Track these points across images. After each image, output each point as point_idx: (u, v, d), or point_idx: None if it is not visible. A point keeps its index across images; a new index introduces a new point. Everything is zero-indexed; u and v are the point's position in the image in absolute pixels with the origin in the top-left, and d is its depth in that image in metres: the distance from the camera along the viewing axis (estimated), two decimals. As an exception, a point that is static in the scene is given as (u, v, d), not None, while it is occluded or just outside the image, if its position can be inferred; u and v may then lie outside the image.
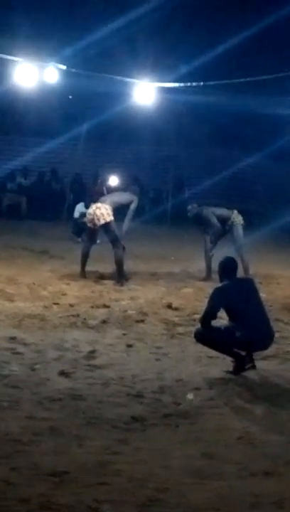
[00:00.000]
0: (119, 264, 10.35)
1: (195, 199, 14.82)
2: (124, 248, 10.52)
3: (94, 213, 10.34)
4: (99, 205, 10.41)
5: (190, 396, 4.45)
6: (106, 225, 10.28)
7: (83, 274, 10.52)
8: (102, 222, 10.26)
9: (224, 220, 11.20)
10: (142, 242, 13.63)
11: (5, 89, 14.55)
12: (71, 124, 19.37)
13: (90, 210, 10.52)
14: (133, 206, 10.67)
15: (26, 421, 4.83)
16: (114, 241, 10.40)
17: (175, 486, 3.97)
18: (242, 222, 11.31)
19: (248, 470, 4.25)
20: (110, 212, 10.30)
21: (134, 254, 12.20)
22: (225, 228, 11.21)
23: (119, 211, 10.65)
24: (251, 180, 22.28)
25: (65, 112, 19.74)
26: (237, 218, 11.29)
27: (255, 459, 4.41)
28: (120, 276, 10.29)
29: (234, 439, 4.72)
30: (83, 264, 10.62)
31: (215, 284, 7.06)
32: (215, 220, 11.12)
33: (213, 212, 11.25)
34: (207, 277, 10.68)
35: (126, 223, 10.70)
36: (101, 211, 10.28)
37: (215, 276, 7.69)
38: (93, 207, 10.49)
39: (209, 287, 7.11)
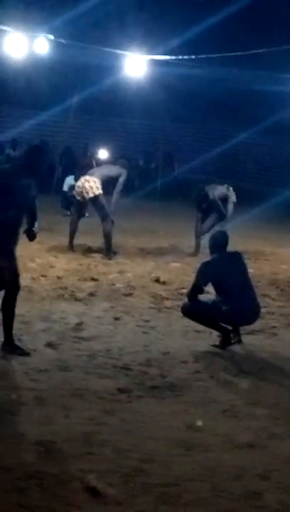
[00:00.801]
0: (108, 237, 10.33)
1: (184, 174, 14.74)
2: (112, 222, 10.49)
3: (83, 186, 10.32)
4: (87, 177, 10.38)
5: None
6: (95, 198, 10.25)
7: (71, 247, 10.50)
8: (91, 195, 10.24)
9: (223, 200, 11.21)
10: (131, 217, 13.61)
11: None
12: (61, 96, 19.19)
13: (79, 183, 10.50)
14: (122, 179, 10.59)
15: (13, 391, 4.84)
16: (103, 215, 10.37)
17: (160, 457, 4.01)
18: (234, 199, 11.32)
19: (233, 442, 4.29)
20: (99, 185, 10.25)
21: (123, 229, 12.17)
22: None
23: (109, 185, 10.60)
24: (243, 157, 22.25)
25: (55, 84, 19.56)
26: (232, 196, 11.30)
27: (240, 432, 4.45)
28: (108, 249, 10.29)
29: (219, 412, 4.76)
30: (71, 237, 10.61)
31: (202, 259, 7.06)
32: (220, 204, 11.08)
33: (217, 195, 11.18)
34: (196, 253, 10.70)
35: (115, 196, 10.64)
36: (90, 184, 10.24)
37: (204, 251, 7.70)
38: (82, 180, 10.46)
39: (197, 262, 7.11)
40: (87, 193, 10.26)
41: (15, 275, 5.80)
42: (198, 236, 10.95)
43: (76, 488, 3.59)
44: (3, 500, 3.43)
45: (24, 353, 5.61)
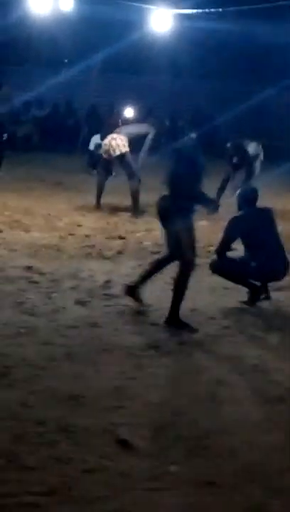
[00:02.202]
0: (135, 196, 10.28)
1: (212, 132, 14.49)
2: (139, 180, 10.43)
3: (110, 144, 10.27)
4: (114, 136, 10.32)
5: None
6: (122, 156, 10.20)
7: (98, 206, 10.50)
8: (117, 153, 10.19)
9: (254, 158, 11.06)
10: (157, 175, 13.48)
11: (19, 16, 14.24)
12: (86, 54, 18.97)
13: (106, 141, 10.45)
14: (150, 136, 10.49)
15: (43, 347, 4.89)
16: (130, 173, 10.30)
17: (190, 411, 4.04)
18: (262, 157, 11.14)
19: (262, 396, 4.31)
20: (126, 143, 10.19)
21: (149, 187, 12.04)
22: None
23: (136, 143, 10.52)
24: (272, 114, 21.82)
25: (79, 41, 19.34)
26: (261, 154, 11.12)
27: (269, 386, 4.47)
28: (135, 208, 10.24)
29: (248, 367, 4.77)
30: (98, 195, 10.59)
31: (230, 215, 7.01)
32: (253, 161, 10.93)
33: (252, 150, 11.01)
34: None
35: (142, 154, 10.55)
36: (117, 142, 10.19)
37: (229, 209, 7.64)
38: (108, 138, 10.41)
39: (224, 220, 7.03)
40: (114, 150, 10.21)
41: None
42: (220, 193, 10.71)
43: (107, 441, 3.64)
44: (36, 452, 3.49)
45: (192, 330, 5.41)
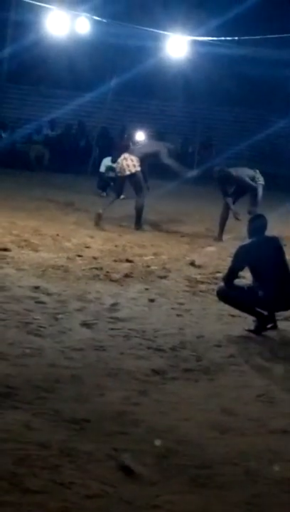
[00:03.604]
0: (139, 211, 10.99)
1: (223, 160, 14.52)
2: (148, 188, 11.20)
3: (122, 164, 10.94)
4: (126, 155, 11.00)
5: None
6: (132, 175, 10.91)
7: (99, 217, 10.97)
8: (127, 173, 10.90)
9: (250, 179, 11.06)
10: (167, 200, 13.56)
11: (36, 37, 14.38)
12: (101, 77, 19.13)
13: (119, 161, 11.15)
14: (163, 157, 11.00)
15: (48, 368, 4.88)
16: (138, 191, 11.04)
17: (194, 439, 4.01)
18: (263, 182, 11.10)
19: (267, 427, 4.27)
20: (136, 163, 10.85)
21: (158, 211, 12.17)
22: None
23: (148, 161, 11.11)
24: (283, 143, 21.91)
25: (95, 64, 19.50)
26: (260, 178, 11.10)
27: (274, 417, 4.43)
28: (137, 222, 10.94)
29: (253, 397, 4.74)
30: (108, 205, 11.22)
31: (239, 243, 7.02)
32: (248, 179, 10.89)
33: (243, 173, 11.05)
34: (218, 237, 10.69)
35: (170, 163, 11.20)
36: (128, 162, 10.86)
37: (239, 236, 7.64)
38: (121, 157, 11.06)
39: (232, 246, 7.06)
40: (124, 170, 10.92)
41: None
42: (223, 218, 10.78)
43: (110, 467, 3.61)
44: (38, 476, 3.46)
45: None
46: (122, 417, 4.20)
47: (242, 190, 11.03)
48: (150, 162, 11.25)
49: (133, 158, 10.85)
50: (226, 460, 3.79)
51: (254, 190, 10.84)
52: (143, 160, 10.99)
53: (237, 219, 10.64)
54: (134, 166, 10.83)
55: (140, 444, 3.90)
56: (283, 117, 20.00)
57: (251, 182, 10.88)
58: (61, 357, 5.13)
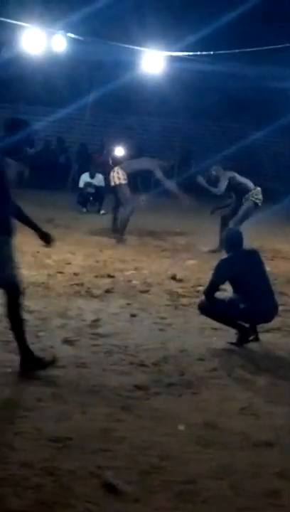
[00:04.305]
0: (123, 222, 11.38)
1: (201, 173, 14.55)
2: (143, 200, 12.04)
3: (111, 176, 11.53)
4: (116, 168, 11.57)
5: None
6: (117, 186, 11.38)
7: (115, 230, 11.58)
8: (112, 184, 11.44)
9: (243, 191, 10.94)
10: (147, 214, 13.58)
11: (12, 55, 14.40)
12: (78, 93, 19.18)
13: (110, 173, 11.76)
14: (157, 174, 11.41)
15: (30, 387, 4.84)
16: (124, 202, 11.42)
17: (177, 454, 3.99)
18: (257, 201, 10.97)
19: (250, 440, 4.26)
20: (122, 176, 11.32)
21: (139, 226, 12.17)
22: (240, 199, 10.95)
23: (138, 177, 12.00)
24: (260, 155, 22.08)
25: (72, 81, 19.55)
26: (253, 197, 10.94)
27: (257, 430, 4.42)
28: (121, 232, 11.21)
29: (237, 410, 4.73)
30: (113, 219, 11.79)
31: (219, 256, 7.04)
32: (223, 186, 10.80)
33: (235, 177, 10.94)
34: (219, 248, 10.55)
35: (167, 184, 11.70)
36: (114, 174, 11.40)
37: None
38: (112, 170, 11.68)
39: (213, 259, 7.08)
40: (111, 182, 11.53)
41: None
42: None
43: (93, 485, 3.59)
44: (21, 496, 3.43)
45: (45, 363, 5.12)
46: (105, 434, 4.18)
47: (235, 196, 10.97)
48: (143, 177, 11.80)
49: (120, 171, 11.32)
50: (210, 475, 3.78)
51: (240, 199, 10.83)
52: (133, 175, 11.63)
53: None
54: (119, 178, 11.30)
55: (123, 460, 3.87)
56: (258, 130, 20.17)
57: (243, 187, 10.85)
58: (42, 375, 5.08)
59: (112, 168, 12.06)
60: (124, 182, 11.32)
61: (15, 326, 5.05)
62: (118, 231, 11.33)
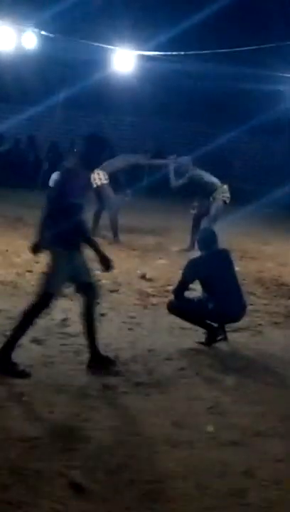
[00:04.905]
0: (113, 222, 11.32)
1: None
2: (127, 195, 11.82)
3: (92, 177, 11.14)
4: (97, 170, 11.21)
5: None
6: (99, 188, 11.26)
7: (93, 233, 11.15)
8: (94, 185, 11.10)
9: (210, 190, 10.95)
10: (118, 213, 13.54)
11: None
12: (49, 91, 19.09)
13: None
14: (142, 161, 11.70)
15: (-3, 386, 4.82)
16: (107, 203, 11.41)
17: (144, 454, 4.01)
18: (224, 198, 11.02)
19: (217, 439, 4.29)
20: (102, 176, 11.24)
21: (108, 225, 12.15)
22: (208, 198, 10.97)
23: (120, 175, 11.62)
24: (230, 156, 22.20)
25: (42, 78, 19.45)
26: (220, 194, 10.99)
27: (224, 429, 4.45)
28: (115, 233, 11.27)
29: (204, 409, 4.76)
30: (93, 223, 11.32)
31: (188, 256, 7.07)
32: (183, 181, 10.88)
33: (201, 176, 10.99)
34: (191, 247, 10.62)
35: (161, 162, 11.73)
36: (94, 176, 11.09)
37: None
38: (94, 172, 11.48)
39: (183, 259, 7.10)
40: (92, 184, 11.15)
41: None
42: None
43: (60, 484, 3.58)
44: (-13, 496, 3.41)
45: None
46: (72, 434, 4.18)
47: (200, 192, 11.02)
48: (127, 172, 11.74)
49: (100, 172, 11.21)
50: (177, 474, 3.80)
51: (208, 197, 10.88)
52: (115, 174, 11.46)
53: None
54: (100, 179, 11.24)
55: (90, 460, 3.87)
56: (229, 130, 20.27)
57: (207, 186, 10.88)
58: (9, 374, 5.06)
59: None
60: (105, 182, 11.32)
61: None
62: (114, 234, 11.28)
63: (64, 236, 5.16)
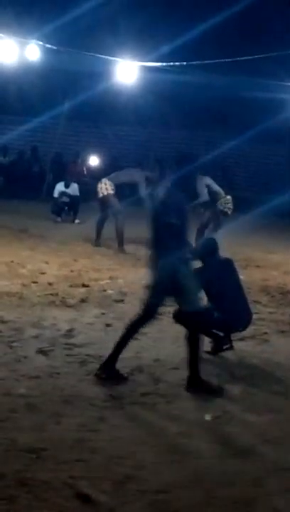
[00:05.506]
0: (120, 232, 11.32)
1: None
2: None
3: (98, 187, 11.52)
4: (103, 180, 11.57)
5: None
6: (104, 197, 11.40)
7: (97, 243, 11.56)
8: (100, 195, 11.44)
9: (213, 199, 11.05)
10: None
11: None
12: (52, 102, 19.16)
13: (97, 185, 11.75)
14: (141, 189, 11.25)
15: (3, 398, 4.82)
16: (114, 212, 11.44)
17: (152, 464, 3.99)
18: (225, 209, 11.09)
19: (224, 449, 4.27)
20: (109, 187, 11.37)
21: (113, 236, 12.15)
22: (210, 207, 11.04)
23: (125, 188, 11.71)
24: (232, 165, 22.26)
25: (46, 90, 19.52)
26: (223, 204, 11.05)
27: (232, 439, 4.44)
28: (120, 243, 11.28)
29: (211, 418, 4.74)
30: (97, 233, 11.61)
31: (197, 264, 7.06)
32: (203, 191, 10.94)
33: (210, 186, 11.07)
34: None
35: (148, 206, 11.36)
36: (101, 185, 11.43)
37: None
38: (100, 181, 11.65)
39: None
40: (98, 193, 11.50)
41: None
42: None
43: (67, 495, 3.57)
44: (-6, 507, 3.41)
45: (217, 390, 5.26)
46: (79, 445, 4.17)
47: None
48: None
49: (107, 182, 11.37)
50: (184, 484, 3.78)
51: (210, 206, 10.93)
52: (119, 186, 11.49)
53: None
54: (106, 189, 11.34)
55: (97, 471, 3.87)
56: (230, 140, 20.33)
57: (204, 193, 10.92)
58: (16, 385, 5.07)
59: (85, 175, 12.23)
60: (111, 192, 11.39)
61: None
62: (119, 243, 11.31)
63: None
